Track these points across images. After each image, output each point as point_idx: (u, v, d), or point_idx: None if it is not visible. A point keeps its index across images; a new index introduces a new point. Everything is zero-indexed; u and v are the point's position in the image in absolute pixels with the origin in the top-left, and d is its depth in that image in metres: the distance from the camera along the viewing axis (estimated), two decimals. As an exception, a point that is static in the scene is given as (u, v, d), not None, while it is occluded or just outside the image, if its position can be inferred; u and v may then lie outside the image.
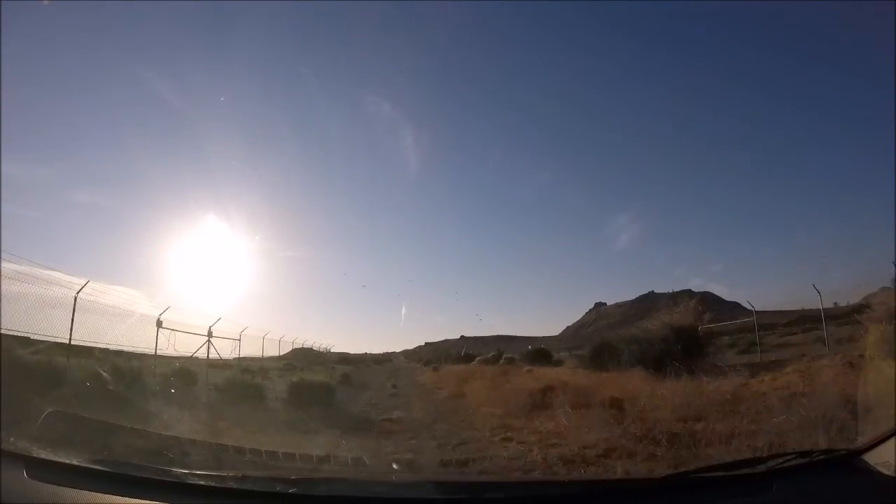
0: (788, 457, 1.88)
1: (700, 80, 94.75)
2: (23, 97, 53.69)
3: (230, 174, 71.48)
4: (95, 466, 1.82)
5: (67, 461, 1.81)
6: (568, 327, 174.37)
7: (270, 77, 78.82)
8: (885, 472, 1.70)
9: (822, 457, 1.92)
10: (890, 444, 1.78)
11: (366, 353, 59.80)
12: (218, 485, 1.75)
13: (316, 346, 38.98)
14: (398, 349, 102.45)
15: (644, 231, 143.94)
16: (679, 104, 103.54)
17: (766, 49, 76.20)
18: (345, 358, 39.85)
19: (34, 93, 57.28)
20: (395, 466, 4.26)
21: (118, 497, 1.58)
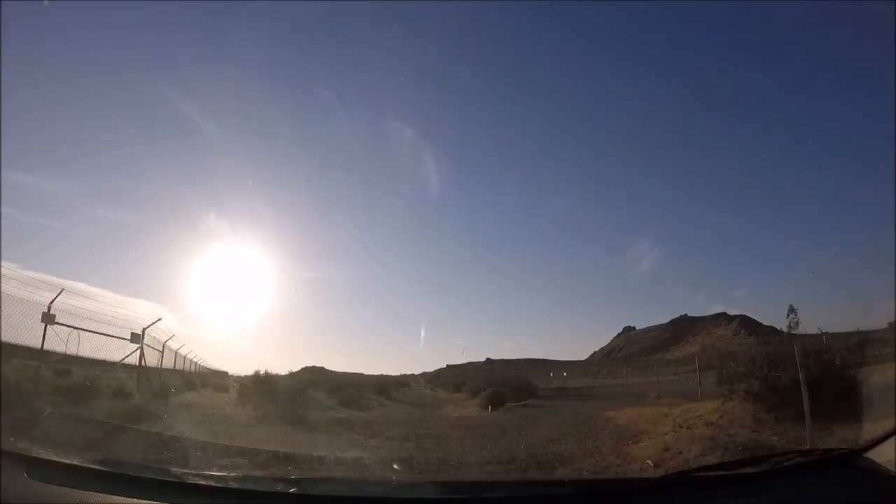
0: (789, 456, 1.89)
1: (722, 107, 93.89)
2: (53, 114, 58.16)
3: (253, 195, 74.55)
4: (96, 466, 1.82)
5: (68, 461, 1.81)
6: (595, 352, 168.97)
7: (294, 100, 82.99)
8: (886, 471, 1.70)
9: (822, 456, 1.92)
10: (890, 443, 1.79)
11: (382, 375, 58.14)
12: (218, 484, 1.74)
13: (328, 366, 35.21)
14: (417, 371, 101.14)
15: (665, 256, 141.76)
16: (699, 131, 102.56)
17: (789, 74, 75.35)
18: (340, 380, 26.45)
19: (63, 109, 61.23)
20: (395, 467, 4.32)
21: (118, 497, 1.58)
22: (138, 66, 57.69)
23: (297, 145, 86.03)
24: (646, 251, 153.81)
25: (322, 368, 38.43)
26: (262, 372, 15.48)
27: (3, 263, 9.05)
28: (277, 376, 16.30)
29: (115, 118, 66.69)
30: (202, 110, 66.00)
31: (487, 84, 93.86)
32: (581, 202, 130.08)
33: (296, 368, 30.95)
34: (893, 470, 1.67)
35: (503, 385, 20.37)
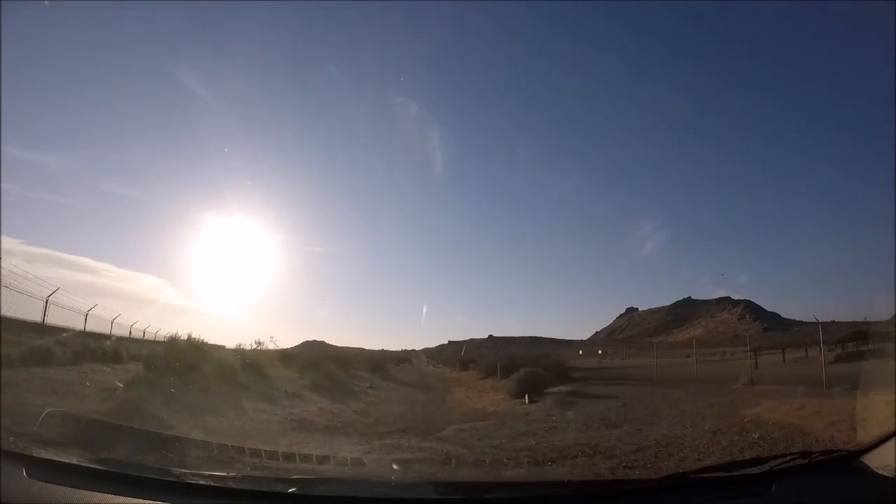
0: (788, 457, 1.88)
1: (727, 95, 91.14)
2: (58, 92, 57.67)
3: (257, 171, 73.91)
4: (95, 466, 1.83)
5: (67, 461, 1.81)
6: (597, 332, 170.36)
7: (299, 74, 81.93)
8: (885, 473, 1.70)
9: (821, 457, 1.92)
10: (890, 445, 1.79)
11: (383, 350, 57.19)
12: (218, 484, 1.75)
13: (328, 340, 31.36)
14: (419, 347, 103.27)
15: (669, 240, 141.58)
16: (704, 118, 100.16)
17: (795, 69, 72.44)
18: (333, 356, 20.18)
19: (68, 87, 60.60)
20: (394, 467, 4.31)
21: (118, 497, 1.58)
22: (140, 39, 57.14)
23: (301, 120, 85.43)
24: (650, 234, 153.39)
25: (323, 343, 38.55)
26: (184, 336, 10.60)
27: (6, 238, 9.11)
28: (209, 344, 11.18)
29: (118, 92, 66.29)
30: (205, 84, 65.75)
31: (495, 64, 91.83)
32: (586, 183, 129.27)
33: (297, 342, 31.29)
34: (892, 472, 1.68)
35: (526, 363, 16.01)
